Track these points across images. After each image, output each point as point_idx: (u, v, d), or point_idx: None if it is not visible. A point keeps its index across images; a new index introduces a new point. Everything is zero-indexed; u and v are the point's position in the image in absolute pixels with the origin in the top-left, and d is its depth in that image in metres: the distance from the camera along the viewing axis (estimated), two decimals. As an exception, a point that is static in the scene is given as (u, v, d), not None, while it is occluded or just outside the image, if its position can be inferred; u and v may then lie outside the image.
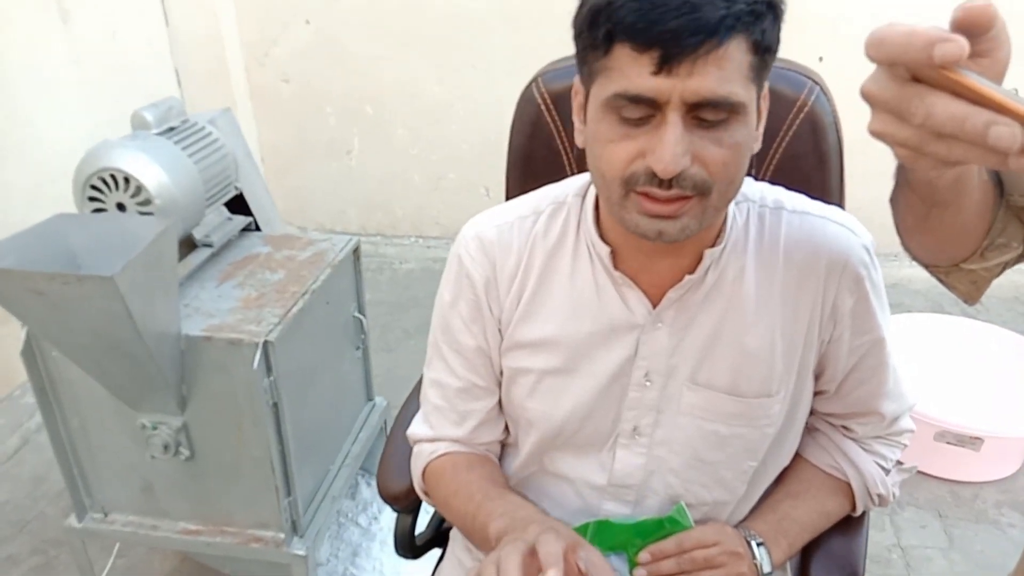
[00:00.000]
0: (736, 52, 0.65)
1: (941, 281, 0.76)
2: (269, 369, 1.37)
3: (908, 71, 0.44)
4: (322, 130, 3.22)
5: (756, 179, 0.99)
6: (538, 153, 1.10)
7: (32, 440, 2.29)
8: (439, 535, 1.14)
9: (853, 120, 2.69)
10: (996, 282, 2.75)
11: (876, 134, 0.47)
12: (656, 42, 0.63)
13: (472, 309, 0.89)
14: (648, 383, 0.85)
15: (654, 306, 0.83)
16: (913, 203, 0.63)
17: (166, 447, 1.44)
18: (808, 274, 0.82)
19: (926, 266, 0.75)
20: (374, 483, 1.22)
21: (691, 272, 0.81)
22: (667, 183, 0.68)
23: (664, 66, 0.64)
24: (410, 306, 2.94)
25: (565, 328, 0.85)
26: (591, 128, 0.73)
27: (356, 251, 1.70)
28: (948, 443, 1.99)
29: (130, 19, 2.63)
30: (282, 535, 1.53)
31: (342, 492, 1.70)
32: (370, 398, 1.90)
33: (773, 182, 0.93)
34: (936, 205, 0.61)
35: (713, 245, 0.81)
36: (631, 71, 0.66)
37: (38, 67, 2.24)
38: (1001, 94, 0.41)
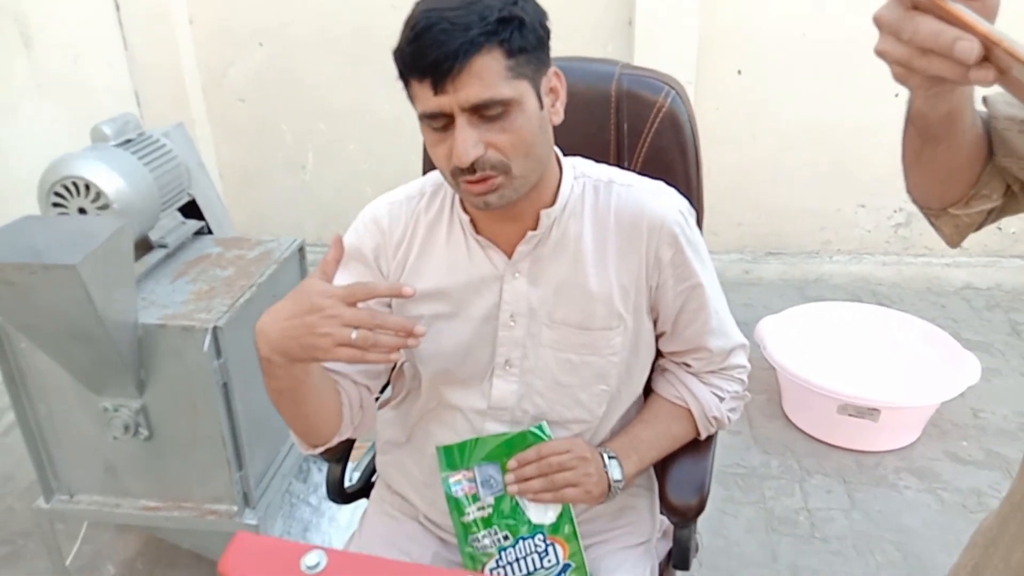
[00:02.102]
0: (490, 62, 0.85)
1: (932, 224, 0.89)
2: (219, 352, 1.53)
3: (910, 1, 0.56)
4: (278, 147, 3.39)
5: (624, 167, 1.19)
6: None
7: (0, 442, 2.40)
8: (366, 487, 1.31)
9: (768, 122, 2.93)
10: (911, 274, 3.11)
11: (879, 53, 0.59)
12: (426, 72, 0.85)
13: (362, 270, 1.06)
14: (513, 323, 1.04)
15: (509, 259, 1.02)
16: (912, 137, 0.76)
17: (126, 428, 1.59)
18: (635, 233, 1.02)
19: (920, 208, 0.89)
20: (324, 468, 1.37)
21: (533, 229, 1.00)
22: (471, 169, 0.88)
23: (438, 87, 0.85)
24: (364, 311, 3.10)
25: (444, 281, 1.05)
26: (424, 138, 0.94)
27: (301, 250, 1.86)
28: (850, 415, 2.19)
29: (90, 44, 2.78)
30: (235, 507, 1.67)
31: (292, 471, 1.86)
32: (319, 388, 2.05)
33: (642, 171, 1.12)
34: (929, 140, 0.74)
35: (550, 207, 1.00)
36: (422, 96, 0.87)
37: (2, 89, 2.39)
38: (972, 18, 0.52)
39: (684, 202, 1.06)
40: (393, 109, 3.17)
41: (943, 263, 3.18)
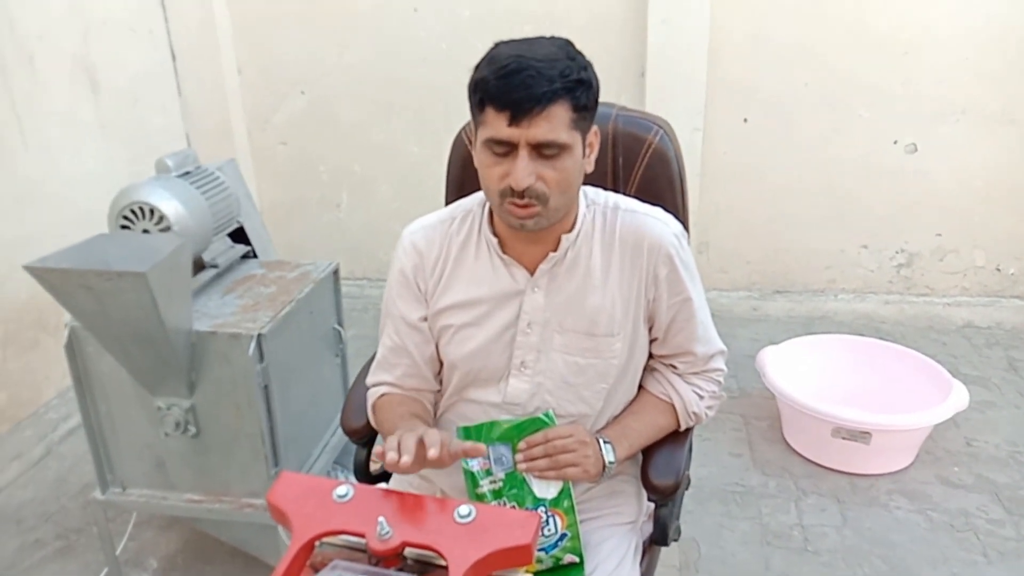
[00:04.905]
0: (560, 111, 1.04)
1: None
2: (262, 357, 1.72)
3: None
4: (315, 186, 3.64)
5: (619, 192, 1.37)
6: (466, 175, 1.48)
7: (54, 450, 2.61)
8: (388, 471, 1.48)
9: (774, 166, 3.17)
10: (914, 313, 3.35)
11: None
12: (507, 106, 1.03)
13: (402, 288, 1.27)
14: (529, 330, 1.21)
15: (531, 276, 1.20)
16: None
17: (177, 425, 1.78)
18: (636, 253, 1.20)
19: None
20: (350, 475, 1.54)
21: (554, 251, 1.18)
22: (520, 195, 1.07)
23: (514, 121, 1.03)
24: (391, 339, 3.29)
25: (473, 293, 1.23)
26: (477, 157, 1.13)
27: (336, 272, 2.07)
28: (844, 438, 2.32)
29: (148, 90, 3.06)
30: (267, 501, 1.85)
31: (322, 471, 2.03)
32: (348, 401, 2.24)
33: (638, 196, 1.30)
34: None
35: (568, 232, 1.18)
36: (496, 124, 1.05)
37: (72, 129, 2.66)
38: None
39: (679, 226, 1.24)
40: (422, 152, 3.42)
41: (944, 302, 3.31)
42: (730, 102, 3.14)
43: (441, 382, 1.33)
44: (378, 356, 1.33)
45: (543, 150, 1.05)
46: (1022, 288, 3.29)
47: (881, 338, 3.08)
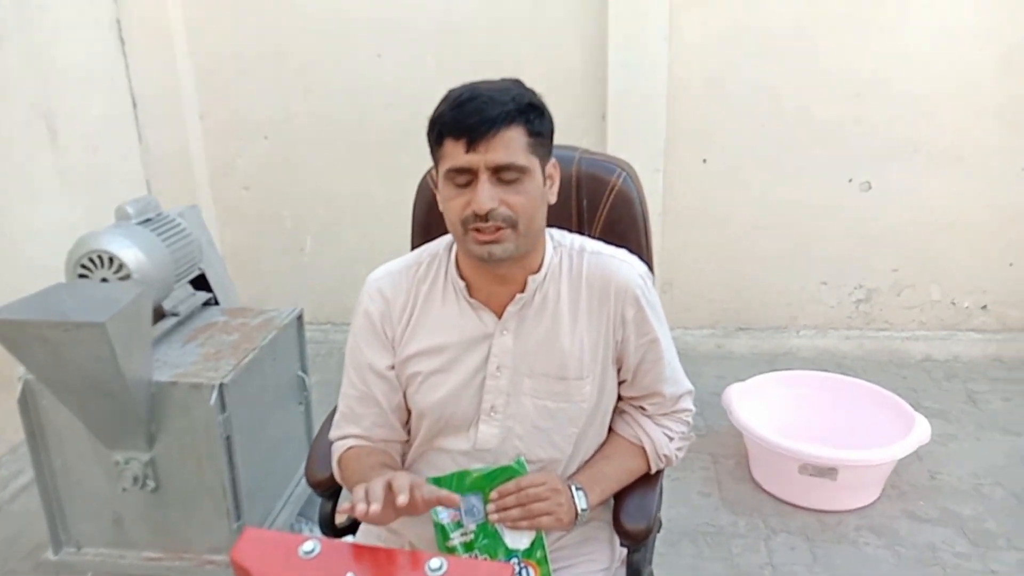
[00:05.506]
0: (515, 135, 1.06)
1: None
2: (224, 407, 1.69)
3: None
4: (279, 232, 3.61)
5: (585, 235, 1.38)
6: (431, 219, 1.48)
7: (5, 509, 2.51)
8: (355, 523, 1.45)
9: (733, 206, 3.24)
10: (873, 347, 3.41)
11: None
12: (463, 132, 1.05)
13: (369, 335, 1.25)
14: (499, 374, 1.20)
15: (499, 319, 1.19)
16: None
17: (135, 479, 1.73)
18: (603, 295, 1.20)
19: None
20: (316, 528, 1.51)
21: (521, 292, 1.18)
22: (484, 218, 1.07)
23: (471, 147, 1.05)
24: (356, 384, 3.25)
25: (440, 339, 1.22)
26: (440, 192, 1.14)
27: (300, 318, 2.05)
28: (810, 475, 2.33)
29: (109, 138, 3.03)
30: (230, 558, 1.79)
31: (285, 525, 1.98)
32: (313, 449, 2.20)
33: (603, 237, 1.31)
34: None
35: (535, 273, 1.18)
36: (454, 153, 1.07)
37: (29, 178, 2.61)
38: None
39: (644, 267, 1.25)
40: (387, 195, 3.42)
41: (903, 336, 3.38)
42: (689, 144, 3.20)
43: (409, 432, 1.31)
44: (341, 408, 1.30)
45: (503, 174, 1.06)
46: (977, 321, 3.37)
47: (843, 373, 3.11)
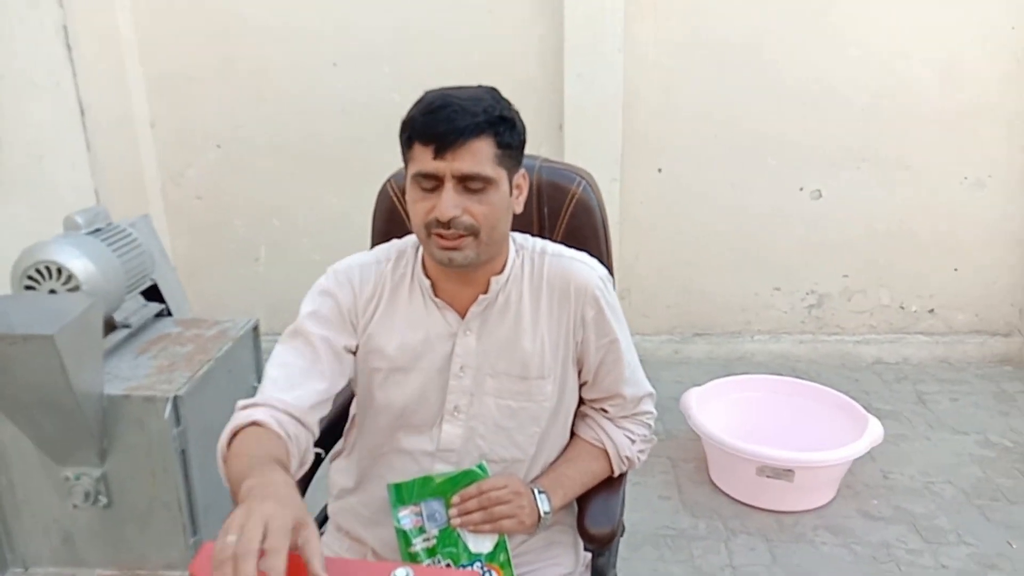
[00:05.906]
0: (484, 146, 1.06)
1: None
2: (178, 420, 1.65)
3: None
4: (232, 240, 3.55)
5: (548, 239, 1.38)
6: (392, 227, 1.47)
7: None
8: (320, 520, 1.42)
9: (688, 214, 3.27)
10: (826, 351, 3.47)
11: None
12: (432, 139, 1.05)
13: (333, 315, 1.19)
14: (462, 374, 1.20)
15: (463, 319, 1.19)
16: None
17: (87, 495, 1.68)
18: (564, 296, 1.21)
19: None
20: None
21: (485, 293, 1.19)
22: (447, 225, 1.07)
23: (438, 154, 1.05)
24: (314, 396, 3.20)
25: (404, 337, 1.21)
26: (408, 194, 1.13)
27: (256, 328, 2.02)
28: (768, 476, 2.37)
29: (55, 146, 2.94)
30: (188, 574, 1.75)
31: (244, 539, 1.94)
32: (271, 462, 2.16)
33: (564, 242, 1.32)
34: None
35: (499, 274, 1.19)
36: (422, 158, 1.07)
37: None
38: None
39: (604, 270, 1.26)
40: (342, 203, 3.38)
41: (854, 340, 3.46)
42: (645, 153, 3.24)
43: (322, 432, 1.23)
44: (275, 374, 1.13)
45: (468, 183, 1.07)
46: (925, 325, 3.46)
47: (797, 376, 3.18)
